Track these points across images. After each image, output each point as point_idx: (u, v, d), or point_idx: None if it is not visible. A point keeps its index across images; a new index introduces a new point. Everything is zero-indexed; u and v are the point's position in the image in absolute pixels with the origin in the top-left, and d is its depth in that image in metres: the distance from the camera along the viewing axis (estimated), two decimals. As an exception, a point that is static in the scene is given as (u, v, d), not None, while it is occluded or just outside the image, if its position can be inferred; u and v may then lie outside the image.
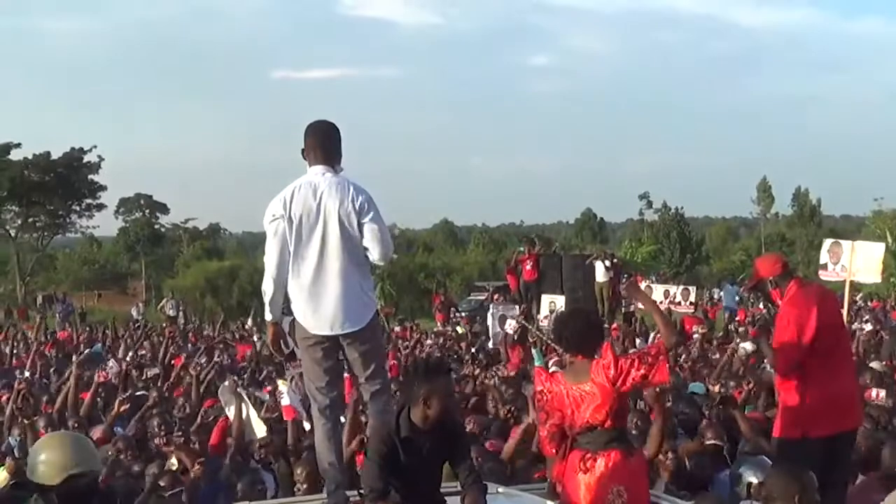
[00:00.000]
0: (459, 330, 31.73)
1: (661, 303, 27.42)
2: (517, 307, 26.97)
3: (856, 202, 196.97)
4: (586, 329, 7.51)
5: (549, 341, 18.83)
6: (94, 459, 6.89)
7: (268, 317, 7.91)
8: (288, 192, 7.65)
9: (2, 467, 9.57)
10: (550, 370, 7.83)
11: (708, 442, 10.34)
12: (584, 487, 7.20)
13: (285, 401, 12.08)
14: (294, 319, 7.84)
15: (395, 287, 60.59)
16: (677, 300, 30.01)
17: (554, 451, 7.36)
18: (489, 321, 25.90)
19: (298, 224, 7.59)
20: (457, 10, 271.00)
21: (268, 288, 7.73)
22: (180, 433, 11.66)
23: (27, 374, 18.89)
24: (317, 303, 7.69)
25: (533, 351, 18.93)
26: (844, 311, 15.00)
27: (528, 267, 34.99)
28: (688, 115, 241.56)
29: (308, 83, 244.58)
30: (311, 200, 7.64)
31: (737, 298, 38.74)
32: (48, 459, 6.56)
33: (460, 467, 6.99)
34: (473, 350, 23.16)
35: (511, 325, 23.25)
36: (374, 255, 7.70)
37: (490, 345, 23.81)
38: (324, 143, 7.80)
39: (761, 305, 33.67)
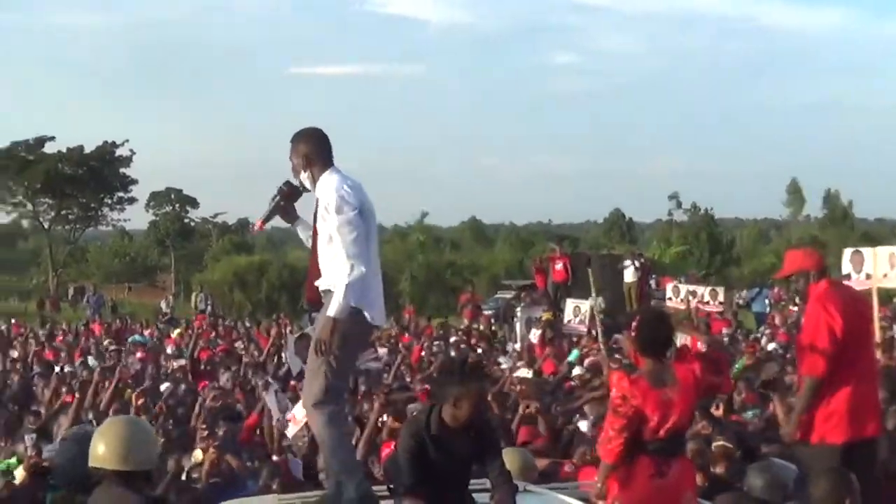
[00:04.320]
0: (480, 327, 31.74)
1: (683, 301, 27.38)
2: (543, 308, 26.97)
3: (891, 205, 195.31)
4: (662, 331, 7.51)
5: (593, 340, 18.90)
6: (153, 452, 6.97)
7: (342, 312, 7.42)
8: (351, 182, 7.65)
9: (19, 465, 9.69)
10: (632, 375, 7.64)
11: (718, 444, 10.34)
12: (658, 494, 7.17)
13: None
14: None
15: (419, 285, 60.68)
16: (705, 300, 29.88)
17: (620, 460, 7.27)
18: (517, 324, 25.90)
19: (370, 217, 7.65)
20: (485, 9, 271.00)
21: (359, 279, 7.45)
22: (204, 426, 11.75)
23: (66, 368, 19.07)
24: (379, 294, 7.74)
25: (574, 350, 18.98)
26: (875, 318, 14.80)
27: (558, 267, 34.98)
28: (718, 116, 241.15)
29: (335, 79, 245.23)
30: (367, 194, 7.76)
31: (767, 301, 38.54)
32: (110, 445, 6.58)
33: (490, 467, 7.00)
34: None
35: (535, 334, 23.28)
36: None
37: (517, 347, 23.81)
38: (330, 145, 7.89)
39: (793, 307, 33.46)
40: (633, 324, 7.71)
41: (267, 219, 8.08)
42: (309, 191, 7.84)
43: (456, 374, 6.94)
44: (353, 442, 10.70)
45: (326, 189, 7.59)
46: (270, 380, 13.86)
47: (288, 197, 8.02)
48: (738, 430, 10.93)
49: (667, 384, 7.24)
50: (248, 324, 37.04)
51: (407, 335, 28.63)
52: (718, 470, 9.62)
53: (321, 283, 7.70)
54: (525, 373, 17.38)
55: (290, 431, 11.47)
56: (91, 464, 6.65)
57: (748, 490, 8.83)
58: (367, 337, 8.05)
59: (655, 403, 7.17)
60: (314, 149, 7.76)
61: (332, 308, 7.38)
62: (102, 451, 6.56)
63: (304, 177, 7.79)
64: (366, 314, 7.54)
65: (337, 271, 7.51)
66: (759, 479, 8.85)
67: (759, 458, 9.72)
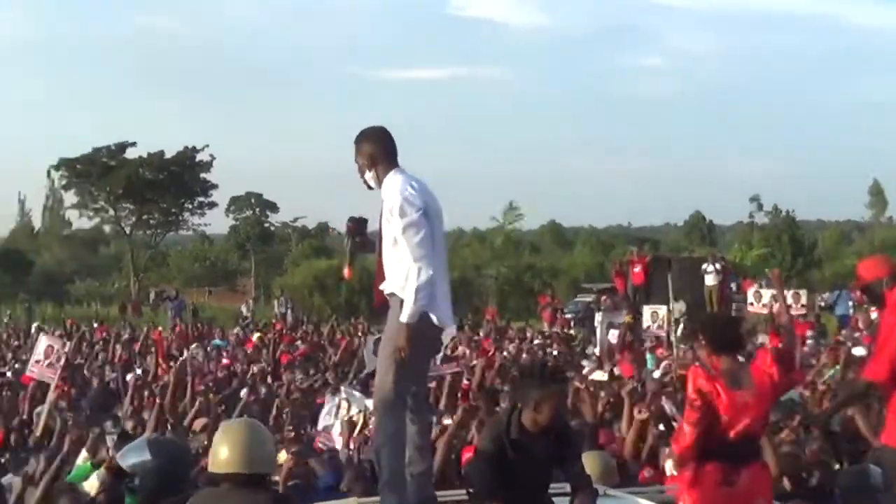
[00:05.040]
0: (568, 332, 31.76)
1: (765, 306, 27.13)
2: (623, 312, 26.86)
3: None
4: (731, 329, 7.48)
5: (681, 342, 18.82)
6: (272, 455, 7.01)
7: (413, 317, 7.40)
8: (415, 183, 7.63)
9: (93, 469, 9.75)
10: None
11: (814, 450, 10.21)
12: (728, 499, 7.11)
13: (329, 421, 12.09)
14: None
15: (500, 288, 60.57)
16: (787, 303, 29.61)
17: (691, 455, 7.23)
18: (597, 328, 25.83)
19: (435, 218, 7.60)
20: (566, 11, 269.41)
21: (427, 282, 7.41)
22: (290, 427, 11.80)
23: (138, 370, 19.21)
24: (445, 296, 7.70)
25: (647, 356, 18.90)
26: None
27: (637, 270, 34.88)
28: (799, 117, 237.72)
29: (414, 83, 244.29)
30: (435, 198, 7.74)
31: (850, 304, 38.12)
32: (231, 450, 6.62)
33: (570, 471, 6.96)
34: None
35: (614, 335, 23.20)
36: None
37: (597, 351, 23.74)
38: (394, 145, 7.86)
39: (872, 312, 33.08)
40: (700, 328, 7.72)
41: (351, 262, 8.17)
42: (365, 222, 8.01)
43: (536, 377, 6.90)
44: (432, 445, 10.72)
45: (391, 191, 7.57)
46: (343, 386, 13.92)
47: (356, 232, 8.11)
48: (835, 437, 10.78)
49: (743, 386, 7.20)
50: (331, 325, 37.25)
51: (487, 338, 28.63)
52: (813, 478, 9.52)
53: (386, 287, 7.69)
54: (599, 375, 17.33)
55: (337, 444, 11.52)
56: (211, 469, 6.71)
57: (840, 493, 8.73)
58: (436, 339, 8.03)
59: (730, 404, 7.15)
60: (378, 148, 7.75)
61: (405, 313, 7.37)
62: (225, 455, 6.60)
63: (370, 177, 7.77)
64: (433, 317, 7.51)
65: (402, 275, 7.50)
66: (853, 481, 8.76)
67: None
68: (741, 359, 7.52)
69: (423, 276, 7.35)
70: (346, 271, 8.31)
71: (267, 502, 6.64)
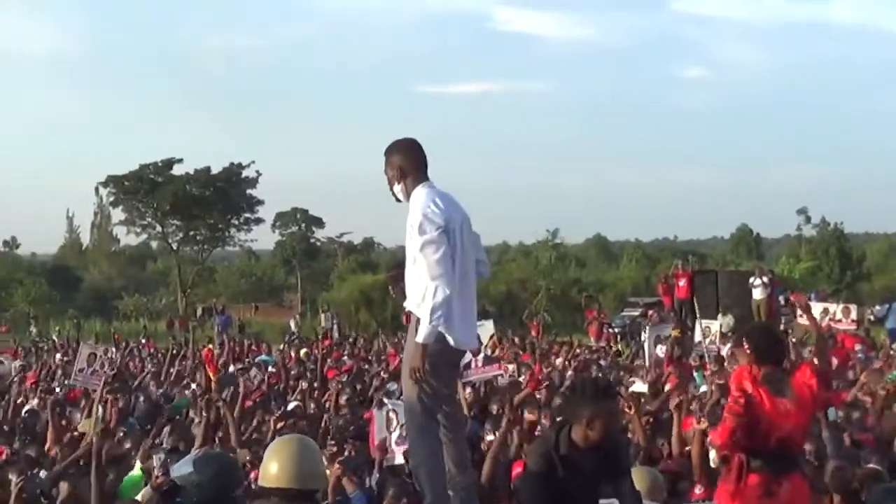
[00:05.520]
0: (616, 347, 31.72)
1: (819, 321, 26.95)
2: (670, 326, 26.76)
3: None
4: (774, 339, 7.49)
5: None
6: (322, 471, 7.03)
7: (429, 337, 7.38)
8: (439, 200, 7.57)
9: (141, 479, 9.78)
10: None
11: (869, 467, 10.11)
12: None
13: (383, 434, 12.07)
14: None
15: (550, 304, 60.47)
16: (837, 317, 29.43)
17: (727, 448, 7.24)
18: (644, 342, 25.75)
19: (455, 234, 7.52)
20: (609, 24, 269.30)
21: (443, 302, 7.36)
22: (333, 442, 11.80)
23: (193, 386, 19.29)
24: (466, 316, 7.66)
25: (695, 374, 18.79)
26: None
27: (682, 284, 34.79)
28: (847, 128, 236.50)
29: (457, 97, 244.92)
30: (462, 212, 7.70)
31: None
32: (282, 466, 6.64)
33: (620, 488, 6.93)
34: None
35: (662, 349, 23.11)
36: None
37: (645, 365, 23.65)
38: (424, 157, 7.83)
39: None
40: (745, 337, 7.73)
41: (405, 307, 7.94)
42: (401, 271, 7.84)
43: (589, 394, 6.86)
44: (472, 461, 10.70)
45: (414, 206, 7.54)
46: (385, 399, 13.90)
47: (398, 280, 8.03)
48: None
49: (785, 395, 7.20)
50: (381, 340, 37.35)
51: (526, 353, 28.58)
52: (865, 495, 9.43)
53: (407, 304, 7.69)
54: (639, 387, 17.26)
55: (397, 458, 11.49)
56: (261, 483, 6.73)
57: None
58: (456, 360, 7.97)
59: (772, 409, 7.19)
60: (408, 161, 7.71)
61: (420, 334, 7.37)
62: (275, 470, 6.63)
63: (398, 189, 7.75)
64: (448, 339, 7.47)
65: (420, 293, 7.47)
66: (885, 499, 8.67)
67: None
68: (783, 369, 7.53)
69: (440, 295, 7.32)
70: (405, 317, 8.33)
71: None
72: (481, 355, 15.56)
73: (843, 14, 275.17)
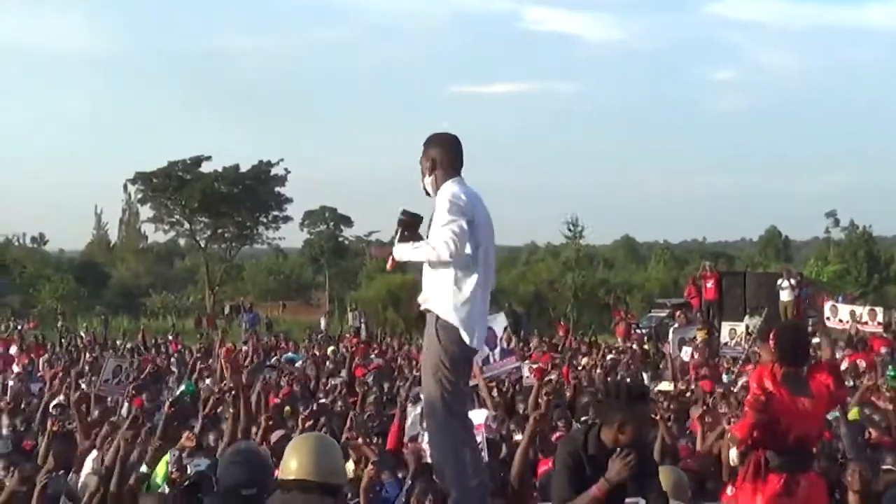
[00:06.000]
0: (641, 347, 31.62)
1: (847, 322, 26.90)
2: (694, 328, 26.74)
3: None
4: (802, 340, 7.50)
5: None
6: (342, 467, 7.05)
7: (402, 255, 7.70)
8: (467, 194, 7.53)
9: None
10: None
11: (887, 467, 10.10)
12: None
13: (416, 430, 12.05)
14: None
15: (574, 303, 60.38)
16: (864, 320, 29.35)
17: (747, 437, 7.25)
18: (669, 345, 25.76)
19: (479, 230, 7.49)
20: (641, 25, 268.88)
21: (439, 260, 7.40)
22: (353, 434, 11.82)
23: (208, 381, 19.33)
24: (484, 314, 7.65)
25: (724, 376, 18.75)
26: None
27: (710, 285, 34.77)
28: (878, 132, 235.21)
29: (488, 97, 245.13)
30: (487, 215, 7.69)
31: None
32: (300, 461, 6.66)
33: (647, 489, 6.94)
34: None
35: (687, 352, 23.10)
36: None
37: (669, 366, 23.65)
38: (461, 155, 7.81)
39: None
40: (772, 334, 7.73)
41: (419, 303, 7.81)
42: (420, 218, 7.78)
43: (623, 398, 6.87)
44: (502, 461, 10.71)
45: (441, 196, 7.48)
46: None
47: (409, 226, 7.82)
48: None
49: (804, 394, 7.22)
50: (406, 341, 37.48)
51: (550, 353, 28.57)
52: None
53: (422, 300, 7.68)
54: (665, 386, 17.25)
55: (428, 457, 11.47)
56: (282, 477, 6.75)
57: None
58: (470, 357, 7.78)
59: (792, 408, 7.21)
60: (444, 155, 7.67)
61: (399, 249, 7.64)
62: (294, 466, 6.66)
63: (428, 181, 7.71)
64: (465, 338, 7.42)
65: (436, 288, 7.48)
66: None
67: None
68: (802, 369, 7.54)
69: (444, 255, 7.29)
70: (389, 262, 8.16)
71: None
72: (498, 349, 15.55)
73: (882, 18, 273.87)
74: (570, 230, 75.19)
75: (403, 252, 7.60)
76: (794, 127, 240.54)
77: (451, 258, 7.28)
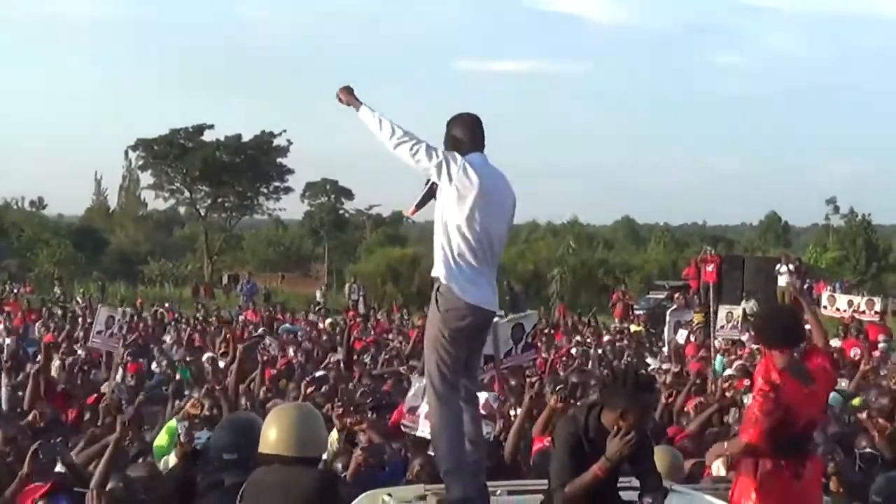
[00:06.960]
0: (634, 328, 31.75)
1: (844, 311, 26.97)
2: (691, 311, 26.81)
3: None
4: (796, 325, 7.49)
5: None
6: (323, 439, 7.11)
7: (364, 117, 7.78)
8: (485, 168, 7.57)
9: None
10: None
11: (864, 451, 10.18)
12: (798, 494, 7.13)
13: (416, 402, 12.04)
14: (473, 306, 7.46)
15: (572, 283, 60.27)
16: (861, 309, 29.44)
17: (763, 444, 7.24)
18: (666, 327, 25.83)
19: (489, 199, 7.46)
20: (650, 8, 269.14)
21: (385, 137, 7.61)
22: (339, 404, 11.81)
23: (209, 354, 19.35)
24: (492, 279, 7.64)
25: (719, 357, 18.78)
26: None
27: (710, 269, 34.82)
28: (879, 120, 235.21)
29: (494, 75, 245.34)
30: (504, 186, 7.72)
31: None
32: (280, 434, 6.72)
33: (642, 472, 6.95)
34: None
35: (682, 334, 23.15)
36: None
37: (664, 350, 23.69)
38: (482, 133, 7.81)
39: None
40: (761, 321, 7.74)
41: (420, 204, 7.89)
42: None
43: (630, 385, 6.86)
44: (499, 436, 10.72)
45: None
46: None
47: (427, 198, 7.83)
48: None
49: (806, 379, 7.23)
50: (400, 315, 37.55)
51: (558, 332, 28.67)
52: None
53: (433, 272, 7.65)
54: (653, 363, 17.33)
55: (422, 430, 11.43)
56: (261, 450, 6.77)
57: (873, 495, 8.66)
58: (478, 324, 7.65)
59: (798, 395, 7.20)
60: (464, 133, 7.69)
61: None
62: (274, 437, 6.69)
63: None
64: (454, 287, 7.42)
65: (440, 258, 7.53)
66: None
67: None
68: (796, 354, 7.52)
69: (391, 136, 7.54)
70: (410, 209, 8.17)
71: (313, 479, 6.71)
72: (522, 342, 15.58)
73: (883, 5, 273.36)
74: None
75: (367, 116, 7.75)
76: (797, 113, 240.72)
77: (396, 149, 7.52)
